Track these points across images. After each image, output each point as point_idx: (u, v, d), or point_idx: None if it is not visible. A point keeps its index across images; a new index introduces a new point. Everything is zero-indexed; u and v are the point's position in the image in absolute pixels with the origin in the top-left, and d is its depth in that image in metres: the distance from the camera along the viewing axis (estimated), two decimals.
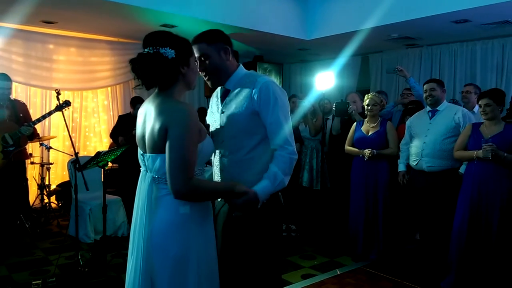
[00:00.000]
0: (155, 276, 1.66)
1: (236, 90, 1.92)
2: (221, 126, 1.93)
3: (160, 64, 1.63)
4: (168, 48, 1.64)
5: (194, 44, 1.89)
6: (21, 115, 4.36)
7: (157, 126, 1.61)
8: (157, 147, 1.64)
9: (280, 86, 1.94)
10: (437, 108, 3.75)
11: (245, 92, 1.88)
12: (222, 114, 1.93)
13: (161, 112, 1.62)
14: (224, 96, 1.97)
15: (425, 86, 3.81)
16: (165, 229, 1.65)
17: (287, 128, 1.86)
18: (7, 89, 4.26)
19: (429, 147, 3.64)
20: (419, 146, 3.71)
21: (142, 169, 1.77)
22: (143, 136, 1.72)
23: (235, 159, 1.89)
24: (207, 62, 1.90)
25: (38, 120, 4.33)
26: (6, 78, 4.26)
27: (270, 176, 1.81)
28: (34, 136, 4.53)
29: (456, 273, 3.36)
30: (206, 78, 1.96)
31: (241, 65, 2.01)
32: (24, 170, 4.56)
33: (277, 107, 1.84)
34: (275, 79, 2.06)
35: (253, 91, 1.85)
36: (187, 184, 1.57)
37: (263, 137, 1.89)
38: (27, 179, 4.75)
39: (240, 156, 1.88)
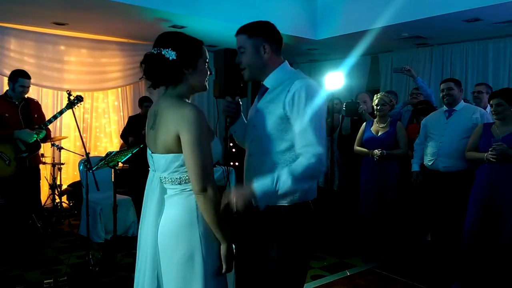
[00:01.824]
0: (161, 276, 1.68)
1: (273, 90, 1.85)
2: (253, 125, 1.87)
3: (160, 64, 1.66)
4: (169, 49, 1.66)
5: (236, 35, 1.88)
6: (35, 115, 4.26)
7: (167, 129, 1.63)
8: (166, 148, 1.66)
9: (320, 90, 1.79)
10: (454, 108, 3.70)
11: (279, 93, 1.80)
12: (256, 112, 1.87)
13: (170, 114, 1.63)
14: (262, 94, 1.90)
15: (442, 86, 3.76)
16: (172, 229, 1.66)
17: (318, 134, 1.71)
18: (26, 87, 4.16)
19: (446, 147, 3.59)
20: (435, 146, 3.66)
21: (151, 169, 1.79)
22: (153, 137, 1.73)
23: (258, 162, 1.84)
24: (242, 55, 1.86)
25: (50, 121, 4.23)
26: (27, 75, 4.16)
27: (274, 174, 1.67)
28: (47, 138, 4.48)
29: (467, 275, 3.32)
30: (242, 70, 1.90)
31: (285, 63, 1.91)
32: (38, 174, 4.49)
33: (308, 111, 1.71)
34: (314, 81, 1.92)
35: (287, 93, 1.75)
36: (211, 181, 1.61)
37: (292, 145, 1.77)
38: (39, 181, 4.78)
39: (263, 160, 1.81)
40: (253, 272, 1.87)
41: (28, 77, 4.15)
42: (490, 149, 3.12)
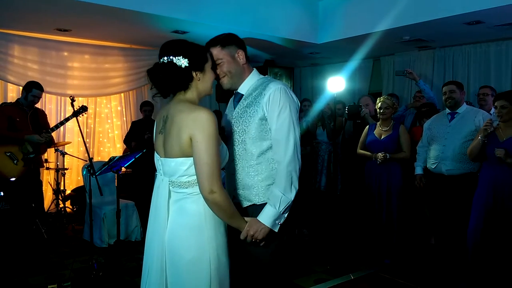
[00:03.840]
0: (169, 280, 1.68)
1: (249, 95, 1.94)
2: (233, 130, 1.94)
3: (173, 73, 1.68)
4: (181, 57, 1.68)
5: (208, 49, 1.92)
6: (42, 122, 4.58)
7: (179, 132, 1.64)
8: (177, 152, 1.67)
9: (292, 93, 1.93)
10: (457, 111, 3.69)
11: (256, 97, 1.90)
12: (234, 119, 1.96)
13: (182, 118, 1.65)
14: (238, 101, 1.99)
15: (444, 88, 3.76)
16: (180, 232, 1.67)
17: (291, 137, 1.84)
18: (37, 98, 4.52)
19: (449, 150, 3.58)
20: (438, 149, 3.66)
21: (158, 173, 1.80)
22: (162, 141, 1.74)
23: (243, 165, 1.91)
24: (220, 65, 1.92)
25: (56, 127, 4.51)
26: (41, 88, 4.54)
27: (271, 198, 1.81)
28: (51, 143, 4.66)
29: (472, 277, 3.30)
30: (220, 80, 1.97)
31: (255, 70, 2.02)
32: (38, 176, 4.68)
33: (283, 114, 1.84)
34: (287, 85, 2.10)
35: (264, 97, 1.86)
36: (219, 183, 1.62)
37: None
38: (41, 184, 4.86)
39: (248, 162, 1.89)
40: (242, 268, 1.92)
41: (41, 89, 4.54)
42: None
